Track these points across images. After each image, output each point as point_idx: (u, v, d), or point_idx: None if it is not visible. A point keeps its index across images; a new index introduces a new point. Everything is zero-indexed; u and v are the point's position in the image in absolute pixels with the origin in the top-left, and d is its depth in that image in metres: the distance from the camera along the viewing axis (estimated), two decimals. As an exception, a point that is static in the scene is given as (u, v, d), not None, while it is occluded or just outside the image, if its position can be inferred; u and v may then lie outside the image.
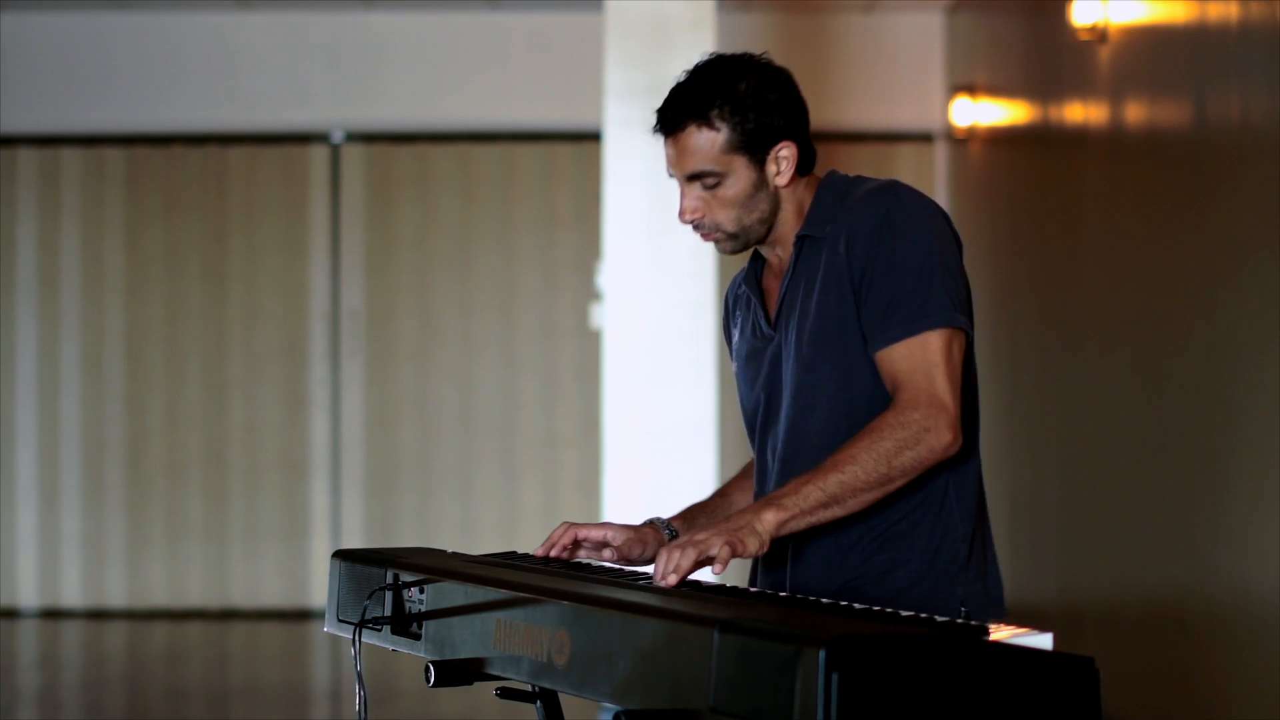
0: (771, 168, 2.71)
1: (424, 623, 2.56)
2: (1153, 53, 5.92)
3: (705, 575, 2.58)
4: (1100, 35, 6.41)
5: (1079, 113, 6.91)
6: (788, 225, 2.76)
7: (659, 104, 2.74)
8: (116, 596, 9.59)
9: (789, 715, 1.86)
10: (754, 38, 8.93)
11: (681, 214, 2.73)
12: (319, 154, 9.69)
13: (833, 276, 2.68)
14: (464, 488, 9.65)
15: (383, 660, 5.35)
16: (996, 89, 8.47)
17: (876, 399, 2.65)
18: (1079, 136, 6.94)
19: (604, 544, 2.78)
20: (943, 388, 2.58)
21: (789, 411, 2.73)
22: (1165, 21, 5.77)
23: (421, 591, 2.57)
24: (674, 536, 2.80)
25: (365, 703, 2.53)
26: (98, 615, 9.55)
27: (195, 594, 9.60)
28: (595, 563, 2.79)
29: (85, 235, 9.65)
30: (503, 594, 2.39)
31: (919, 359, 2.60)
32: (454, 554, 2.81)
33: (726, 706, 1.95)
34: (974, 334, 2.70)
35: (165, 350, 9.67)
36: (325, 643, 8.76)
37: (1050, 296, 7.35)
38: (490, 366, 9.68)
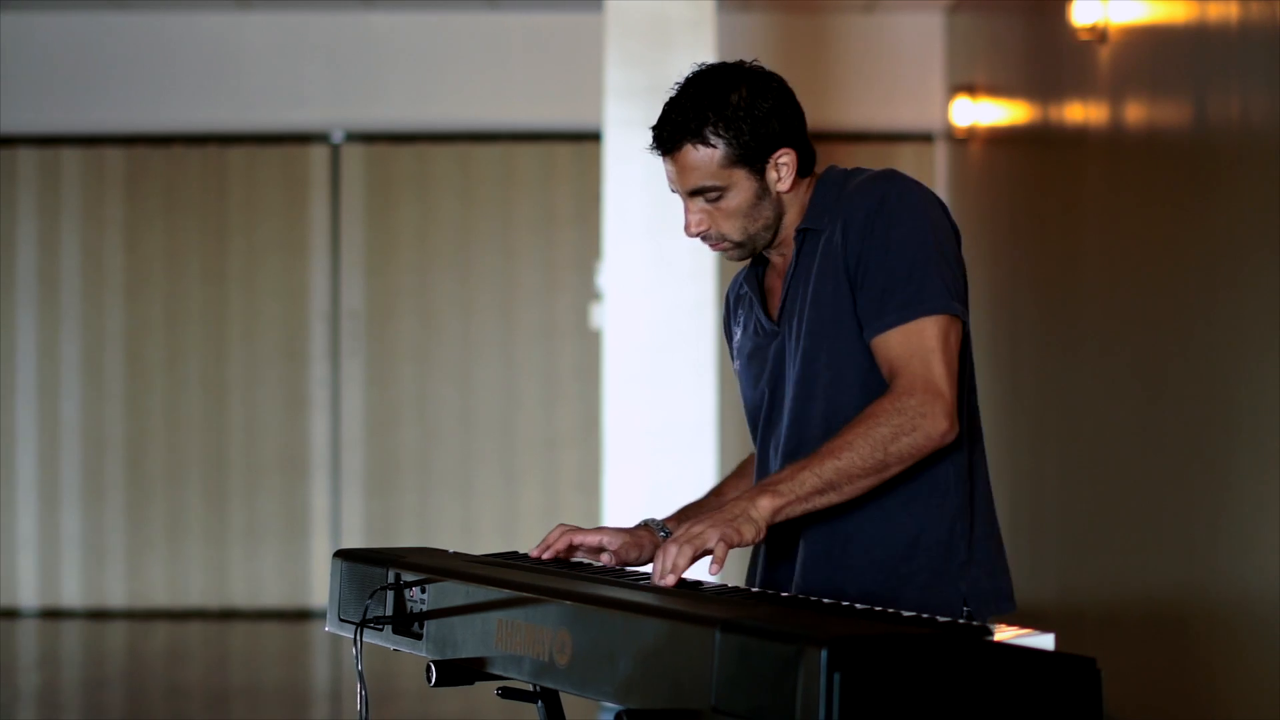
0: (772, 175, 2.71)
1: (425, 622, 2.56)
2: (1153, 53, 5.92)
3: (704, 576, 2.57)
4: (1100, 35, 6.41)
5: (1079, 113, 6.91)
6: (791, 228, 2.76)
7: (656, 111, 2.73)
8: (116, 597, 9.59)
9: (790, 715, 1.86)
10: (754, 38, 8.94)
11: (687, 228, 2.73)
12: (319, 154, 9.69)
13: (828, 264, 2.67)
14: (464, 488, 9.65)
15: (383, 660, 5.34)
16: (996, 89, 8.47)
17: (871, 386, 2.64)
18: (1079, 136, 6.94)
19: (600, 549, 2.77)
20: (939, 374, 2.57)
21: (792, 405, 2.72)
22: (1165, 21, 5.77)
23: (423, 591, 2.57)
24: (669, 536, 2.79)
25: (366, 702, 2.53)
26: (98, 615, 9.55)
27: (195, 594, 9.60)
28: (595, 563, 2.79)
29: (85, 235, 9.65)
30: (504, 594, 2.39)
31: (915, 345, 2.58)
32: (455, 554, 2.82)
33: (728, 706, 1.95)
34: (970, 324, 2.69)
35: (165, 350, 9.67)
36: (325, 643, 8.76)
37: (1050, 296, 7.35)
38: (490, 366, 9.68)
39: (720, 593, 2.41)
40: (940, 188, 9.43)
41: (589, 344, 9.29)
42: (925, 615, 2.21)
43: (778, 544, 2.76)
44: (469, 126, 9.64)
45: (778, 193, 2.72)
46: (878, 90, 9.48)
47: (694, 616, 2.06)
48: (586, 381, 9.42)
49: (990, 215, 8.55)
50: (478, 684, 2.49)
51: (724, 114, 2.66)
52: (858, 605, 2.31)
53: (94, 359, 9.63)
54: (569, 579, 2.47)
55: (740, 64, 2.73)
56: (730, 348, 2.94)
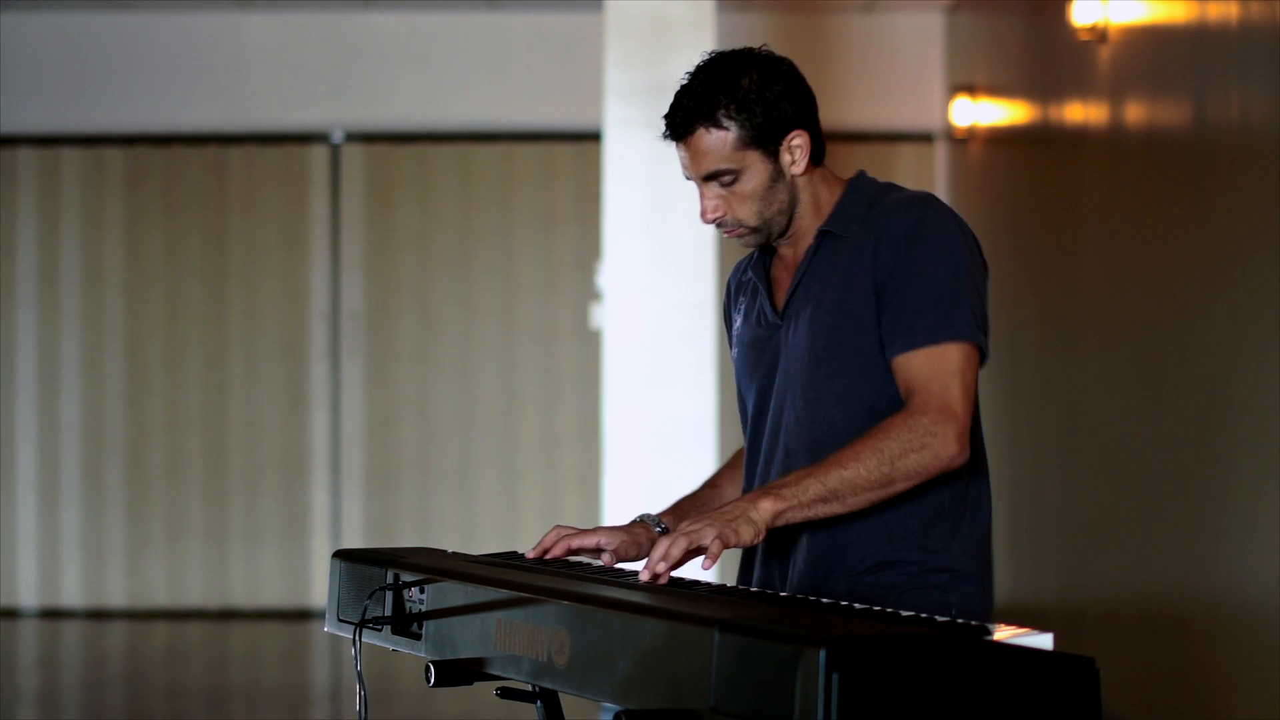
0: (786, 157, 2.71)
1: (424, 622, 2.55)
2: (1153, 53, 5.92)
3: (700, 574, 2.57)
4: (1100, 35, 6.41)
5: (1079, 113, 6.91)
6: (805, 218, 2.76)
7: (662, 106, 2.73)
8: (116, 596, 9.59)
9: (789, 715, 1.86)
10: (754, 38, 8.90)
11: (703, 214, 2.73)
12: (319, 154, 9.69)
13: (856, 278, 2.67)
14: (464, 488, 9.65)
15: (383, 660, 5.35)
16: (996, 89, 8.47)
17: (883, 401, 2.65)
18: (1079, 136, 6.94)
19: (598, 550, 2.77)
20: (955, 398, 2.59)
21: (797, 404, 2.72)
22: (1165, 21, 5.77)
23: (422, 591, 2.57)
24: (665, 533, 2.79)
25: (365, 702, 2.53)
26: (98, 615, 9.55)
27: (195, 594, 9.60)
28: (594, 563, 2.79)
29: (85, 235, 9.65)
30: (503, 594, 2.39)
31: (936, 367, 2.60)
32: (454, 554, 2.81)
33: (727, 706, 1.95)
34: (988, 360, 2.71)
35: (165, 350, 9.67)
36: (325, 643, 8.76)
37: (1050, 296, 7.35)
38: (490, 366, 9.68)
39: (718, 592, 2.41)
40: (940, 188, 9.43)
41: (589, 344, 9.29)
42: (924, 615, 2.21)
43: (774, 544, 2.75)
44: (469, 126, 9.64)
45: (792, 176, 2.72)
46: (878, 90, 9.48)
47: (692, 617, 2.06)
48: (586, 381, 9.42)
49: (990, 215, 8.55)
50: (477, 684, 2.49)
51: (736, 97, 2.66)
52: (856, 605, 2.30)
53: (94, 359, 9.63)
54: (568, 579, 2.46)
55: (750, 50, 2.74)
56: (729, 334, 2.93)
